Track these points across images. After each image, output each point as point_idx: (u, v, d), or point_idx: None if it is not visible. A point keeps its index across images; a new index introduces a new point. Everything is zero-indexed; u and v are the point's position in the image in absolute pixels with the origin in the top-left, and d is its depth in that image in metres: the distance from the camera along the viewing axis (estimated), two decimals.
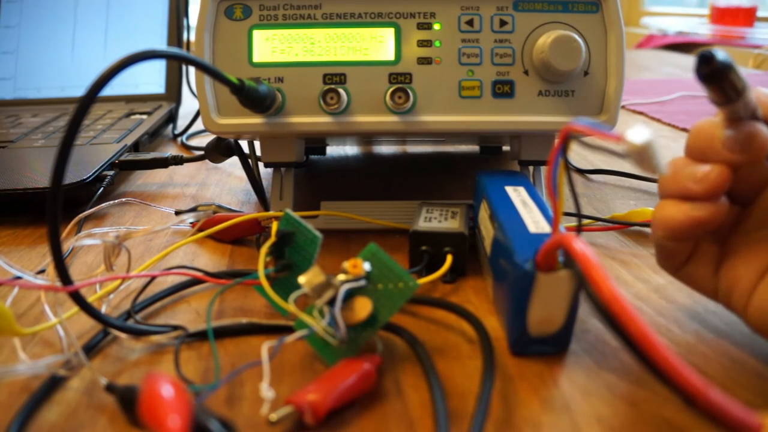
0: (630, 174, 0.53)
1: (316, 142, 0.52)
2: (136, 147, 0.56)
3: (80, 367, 0.27)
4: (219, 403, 0.25)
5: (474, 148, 0.61)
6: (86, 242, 0.30)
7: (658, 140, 0.22)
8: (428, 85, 0.38)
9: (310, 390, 0.23)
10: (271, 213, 0.38)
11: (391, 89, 0.38)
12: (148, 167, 0.51)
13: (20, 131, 0.60)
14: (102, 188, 0.46)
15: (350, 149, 0.63)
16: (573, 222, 0.28)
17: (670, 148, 0.62)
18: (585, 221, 0.41)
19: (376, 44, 0.38)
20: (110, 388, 0.25)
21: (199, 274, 0.32)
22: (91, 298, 0.31)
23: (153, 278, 0.34)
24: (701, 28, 1.54)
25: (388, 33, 0.38)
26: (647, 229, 0.41)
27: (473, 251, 0.37)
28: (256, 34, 0.38)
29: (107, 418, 0.24)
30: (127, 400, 0.24)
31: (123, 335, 0.29)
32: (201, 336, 0.29)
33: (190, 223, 0.40)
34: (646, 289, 0.34)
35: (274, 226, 0.30)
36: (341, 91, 0.38)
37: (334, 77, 0.38)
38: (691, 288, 0.29)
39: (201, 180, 0.54)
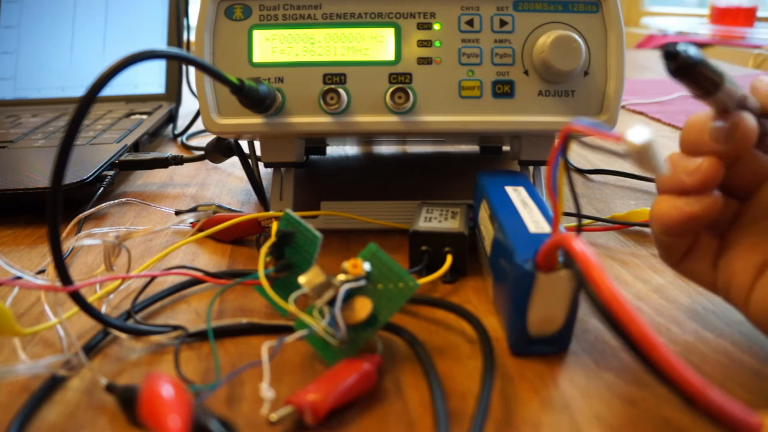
0: (630, 174, 0.53)
1: (316, 142, 0.52)
2: (136, 147, 0.56)
3: (80, 367, 0.27)
4: (219, 403, 0.25)
5: (474, 148, 0.61)
6: (86, 242, 0.30)
7: (658, 140, 0.22)
8: (428, 85, 0.38)
9: (310, 390, 0.23)
10: (271, 213, 0.38)
11: (391, 89, 0.38)
12: (148, 167, 0.51)
13: (20, 131, 0.60)
14: (102, 188, 0.46)
15: (350, 149, 0.63)
16: (573, 222, 0.28)
17: (670, 148, 0.62)
18: (585, 221, 0.41)
19: (376, 44, 0.38)
20: (110, 388, 0.25)
21: (199, 274, 0.32)
22: (91, 298, 0.31)
23: (153, 278, 0.34)
24: (701, 28, 1.54)
25: (388, 33, 0.38)
26: (647, 229, 0.41)
27: (473, 251, 0.37)
28: (256, 34, 0.38)
29: (107, 418, 0.24)
30: (127, 400, 0.24)
31: (123, 335, 0.29)
32: (201, 336, 0.29)
33: (190, 223, 0.40)
34: (646, 289, 0.34)
35: (274, 226, 0.30)
36: (341, 91, 0.38)
37: (334, 77, 0.38)
38: (691, 281, 0.29)
39: (201, 180, 0.54)
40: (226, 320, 0.30)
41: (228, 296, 0.33)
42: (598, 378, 0.26)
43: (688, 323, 0.30)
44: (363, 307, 0.26)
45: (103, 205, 0.42)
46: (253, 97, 0.35)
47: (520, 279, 0.26)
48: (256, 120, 0.38)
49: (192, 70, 0.59)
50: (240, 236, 0.40)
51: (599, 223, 0.41)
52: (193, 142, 0.67)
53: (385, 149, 0.63)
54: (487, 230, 0.33)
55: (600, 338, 0.29)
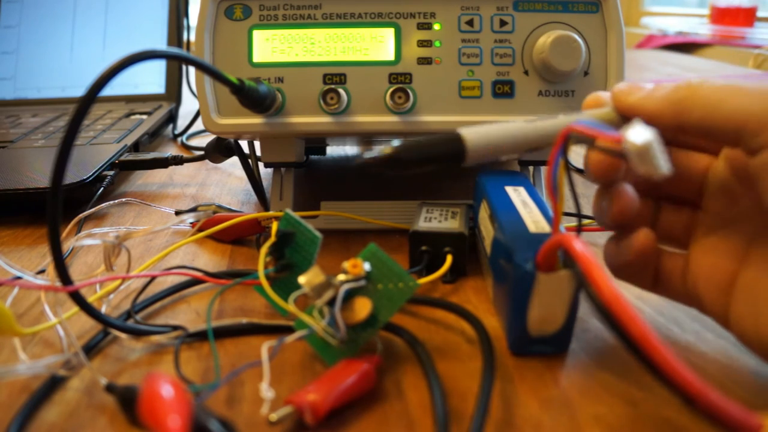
0: None
1: (316, 142, 0.52)
2: (136, 147, 0.56)
3: (80, 367, 0.27)
4: (219, 403, 0.25)
5: None
6: (86, 242, 0.30)
7: (658, 140, 0.22)
8: (428, 85, 0.38)
9: (310, 390, 0.23)
10: (271, 213, 0.38)
11: (391, 89, 0.38)
12: (148, 167, 0.51)
13: (20, 131, 0.60)
14: (102, 188, 0.46)
15: (350, 149, 0.63)
16: (573, 222, 0.28)
17: None
18: (585, 221, 0.41)
19: (376, 44, 0.38)
20: (110, 388, 0.25)
21: (199, 274, 0.32)
22: (91, 298, 0.31)
23: (153, 278, 0.34)
24: (701, 28, 1.54)
25: (388, 33, 0.38)
26: None
27: (473, 251, 0.37)
28: (256, 34, 0.38)
29: (107, 418, 0.24)
30: (127, 400, 0.24)
31: (123, 335, 0.29)
32: (201, 336, 0.29)
33: (190, 223, 0.40)
34: None
35: (274, 226, 0.30)
36: (341, 91, 0.38)
37: (334, 77, 0.38)
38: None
39: (201, 180, 0.54)
40: (226, 320, 0.30)
41: (228, 296, 0.33)
42: (598, 378, 0.26)
43: (688, 323, 0.30)
44: (363, 307, 0.26)
45: (103, 205, 0.42)
46: (253, 97, 0.35)
47: (520, 279, 0.26)
48: (256, 120, 0.38)
49: (192, 70, 0.59)
50: (240, 236, 0.40)
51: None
52: (193, 142, 0.67)
53: None
54: (487, 230, 0.33)
55: (600, 338, 0.29)
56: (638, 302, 0.32)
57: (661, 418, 0.24)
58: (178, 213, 0.44)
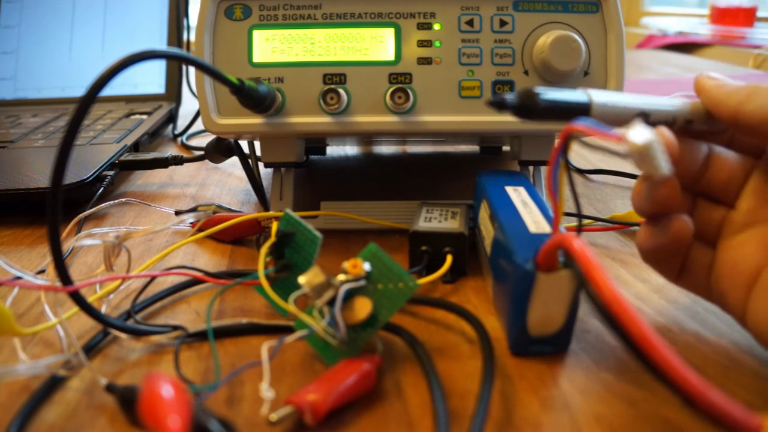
0: (630, 174, 0.53)
1: (316, 142, 0.52)
2: (136, 147, 0.56)
3: (80, 367, 0.27)
4: (219, 403, 0.25)
5: (474, 148, 0.61)
6: (86, 242, 0.30)
7: (659, 140, 0.22)
8: (428, 85, 0.38)
9: (310, 390, 0.23)
10: (271, 213, 0.38)
11: (391, 89, 0.38)
12: (148, 167, 0.51)
13: (20, 131, 0.60)
14: (102, 188, 0.46)
15: (350, 149, 0.63)
16: (573, 222, 0.28)
17: None
18: (585, 221, 0.41)
19: (376, 44, 0.38)
20: (110, 388, 0.25)
21: (199, 274, 0.32)
22: (91, 298, 0.31)
23: (153, 278, 0.34)
24: (701, 28, 1.54)
25: (388, 33, 0.38)
26: None
27: (473, 251, 0.37)
28: (256, 34, 0.38)
29: (107, 418, 0.24)
30: (127, 400, 0.24)
31: (123, 335, 0.29)
32: (201, 336, 0.29)
33: (190, 223, 0.40)
34: (646, 289, 0.34)
35: (274, 226, 0.30)
36: (341, 91, 0.38)
37: (334, 77, 0.38)
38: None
39: (201, 180, 0.54)
40: (226, 320, 0.30)
41: (228, 296, 0.33)
42: (598, 378, 0.26)
43: (688, 323, 0.30)
44: (363, 307, 0.26)
45: (103, 205, 0.42)
46: (253, 97, 0.35)
47: (520, 279, 0.26)
48: (256, 120, 0.38)
49: (192, 70, 0.59)
50: (240, 236, 0.40)
51: (599, 223, 0.41)
52: (193, 142, 0.67)
53: (385, 149, 0.63)
54: (487, 230, 0.33)
55: (600, 338, 0.29)
56: (638, 302, 0.32)
57: (661, 418, 0.24)
58: (178, 213, 0.44)
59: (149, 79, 0.75)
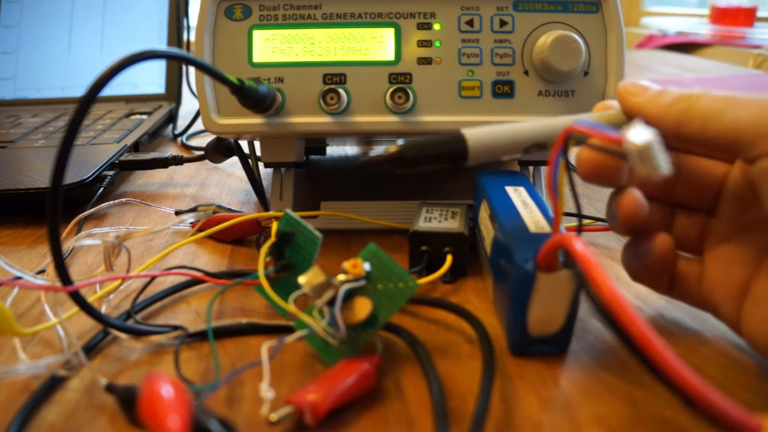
0: None
1: (316, 142, 0.52)
2: (136, 147, 0.56)
3: (80, 367, 0.27)
4: (219, 403, 0.25)
5: None
6: (86, 242, 0.30)
7: (659, 140, 0.22)
8: (428, 85, 0.38)
9: (310, 390, 0.23)
10: (271, 213, 0.38)
11: (391, 89, 0.38)
12: (148, 167, 0.51)
13: (20, 131, 0.60)
14: (102, 188, 0.46)
15: (350, 149, 0.63)
16: (573, 222, 0.28)
17: None
18: (585, 221, 0.41)
19: (376, 44, 0.38)
20: (110, 388, 0.25)
21: (199, 274, 0.32)
22: (91, 298, 0.31)
23: (153, 278, 0.34)
24: (701, 28, 1.54)
25: (388, 33, 0.38)
26: None
27: (473, 251, 0.37)
28: (256, 34, 0.38)
29: (107, 418, 0.24)
30: (127, 400, 0.24)
31: (123, 335, 0.29)
32: (201, 336, 0.29)
33: (190, 223, 0.40)
34: (646, 290, 0.34)
35: (274, 226, 0.30)
36: (341, 91, 0.38)
37: (334, 77, 0.38)
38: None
39: (201, 180, 0.54)
40: (226, 320, 0.30)
41: (228, 296, 0.33)
42: (598, 378, 0.26)
43: (688, 323, 0.30)
44: (363, 307, 0.26)
45: (103, 205, 0.42)
46: (253, 97, 0.35)
47: (520, 279, 0.26)
48: (256, 120, 0.38)
49: (192, 70, 0.59)
50: (240, 236, 0.40)
51: (599, 223, 0.41)
52: (193, 142, 0.67)
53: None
54: (487, 230, 0.33)
55: (600, 338, 0.29)
56: (638, 302, 0.32)
57: (661, 418, 0.24)
58: (178, 213, 0.44)
59: (149, 79, 0.75)
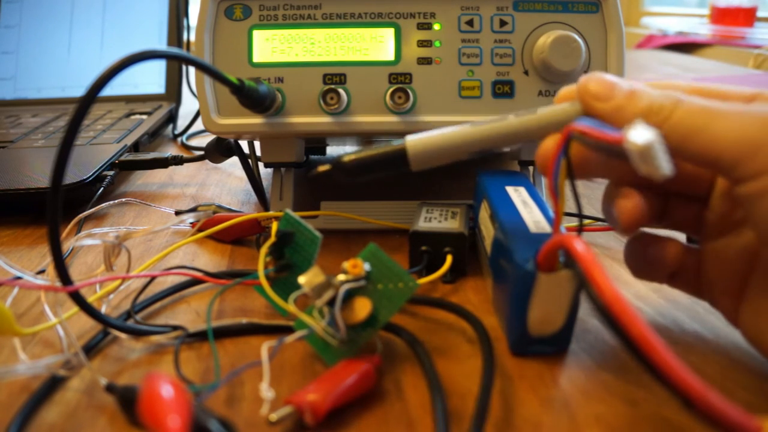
0: None
1: (316, 142, 0.52)
2: (136, 147, 0.56)
3: (80, 367, 0.27)
4: (219, 403, 0.25)
5: None
6: (86, 242, 0.30)
7: (660, 140, 0.22)
8: (428, 85, 0.38)
9: (310, 390, 0.23)
10: (271, 213, 0.38)
11: (391, 89, 0.38)
12: (148, 167, 0.51)
13: (20, 131, 0.60)
14: (102, 188, 0.46)
15: (350, 149, 0.63)
16: (574, 222, 0.28)
17: None
18: (585, 221, 0.41)
19: (376, 44, 0.38)
20: (110, 388, 0.25)
21: (199, 274, 0.32)
22: (91, 298, 0.31)
23: (153, 278, 0.34)
24: (701, 28, 1.54)
25: (388, 33, 0.38)
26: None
27: (473, 251, 0.37)
28: (256, 34, 0.38)
29: (107, 418, 0.24)
30: (127, 400, 0.24)
31: (123, 335, 0.29)
32: (201, 336, 0.29)
33: (190, 223, 0.40)
34: (646, 289, 0.34)
35: (274, 226, 0.30)
36: (341, 91, 0.38)
37: (334, 77, 0.38)
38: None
39: (201, 180, 0.54)
40: (226, 320, 0.30)
41: (228, 296, 0.33)
42: (598, 378, 0.26)
43: (688, 324, 0.30)
44: (363, 307, 0.26)
45: (103, 205, 0.42)
46: (253, 97, 0.35)
47: (520, 279, 0.26)
48: (256, 120, 0.38)
49: (192, 70, 0.59)
50: (240, 236, 0.40)
51: (599, 223, 0.41)
52: (193, 142, 0.67)
53: None
54: (488, 230, 0.33)
55: (600, 338, 0.29)
56: (638, 302, 0.32)
57: (661, 418, 0.24)
58: (178, 213, 0.44)
59: (149, 79, 0.75)
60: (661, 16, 1.87)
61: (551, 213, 0.31)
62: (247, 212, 0.41)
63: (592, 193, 0.49)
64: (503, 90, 0.38)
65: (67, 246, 0.33)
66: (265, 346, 0.24)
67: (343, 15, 0.38)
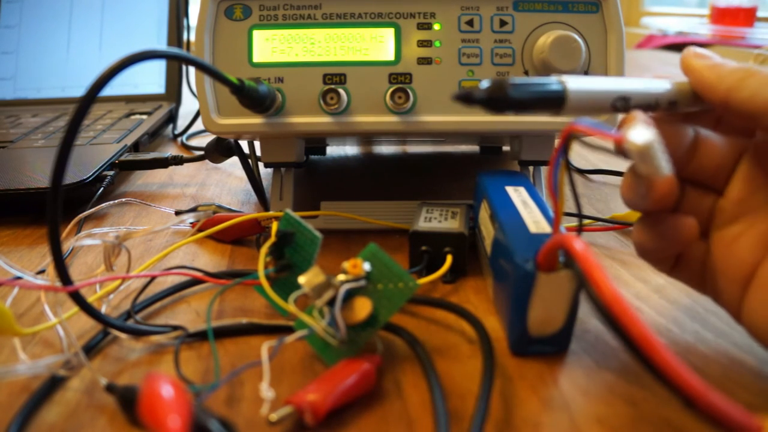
0: None
1: (316, 142, 0.52)
2: (136, 147, 0.56)
3: (80, 367, 0.27)
4: (219, 403, 0.25)
5: (474, 148, 0.61)
6: (86, 242, 0.30)
7: (659, 140, 0.22)
8: (428, 85, 0.38)
9: (310, 390, 0.23)
10: (271, 213, 0.38)
11: (391, 89, 0.38)
12: (148, 167, 0.51)
13: (20, 131, 0.60)
14: (102, 188, 0.46)
15: (350, 149, 0.63)
16: (573, 222, 0.27)
17: None
18: (585, 221, 0.41)
19: (376, 44, 0.38)
20: (110, 388, 0.25)
21: (199, 274, 0.32)
22: (91, 298, 0.31)
23: (153, 278, 0.34)
24: (701, 28, 1.54)
25: (388, 33, 0.38)
26: None
27: (473, 251, 0.37)
28: (256, 34, 0.38)
29: (107, 418, 0.24)
30: (127, 400, 0.24)
31: (123, 335, 0.29)
32: (201, 336, 0.29)
33: (190, 223, 0.40)
34: (646, 289, 0.34)
35: (274, 226, 0.30)
36: (341, 91, 0.38)
37: (334, 77, 0.38)
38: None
39: (201, 180, 0.54)
40: (226, 320, 0.30)
41: (228, 296, 0.33)
42: (598, 378, 0.26)
43: (688, 324, 0.30)
44: (363, 307, 0.26)
45: (103, 205, 0.42)
46: (253, 97, 0.35)
47: (520, 279, 0.26)
48: (256, 120, 0.38)
49: (192, 70, 0.59)
50: (240, 236, 0.40)
51: (599, 223, 0.41)
52: (193, 142, 0.67)
53: (385, 149, 0.63)
54: (488, 230, 0.33)
55: (600, 338, 0.29)
56: (638, 302, 0.32)
57: (661, 418, 0.24)
58: (178, 213, 0.44)
59: (149, 79, 0.75)
60: (661, 16, 1.87)
61: (551, 213, 0.31)
62: (247, 212, 0.41)
63: (592, 193, 0.49)
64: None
65: (67, 246, 0.33)
66: (265, 346, 0.24)
67: (343, 15, 0.38)
